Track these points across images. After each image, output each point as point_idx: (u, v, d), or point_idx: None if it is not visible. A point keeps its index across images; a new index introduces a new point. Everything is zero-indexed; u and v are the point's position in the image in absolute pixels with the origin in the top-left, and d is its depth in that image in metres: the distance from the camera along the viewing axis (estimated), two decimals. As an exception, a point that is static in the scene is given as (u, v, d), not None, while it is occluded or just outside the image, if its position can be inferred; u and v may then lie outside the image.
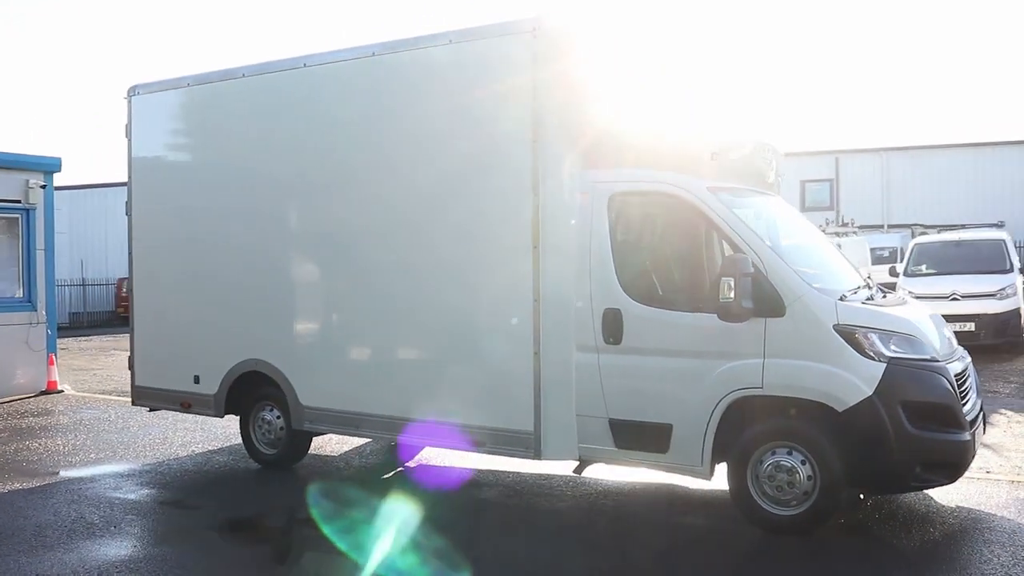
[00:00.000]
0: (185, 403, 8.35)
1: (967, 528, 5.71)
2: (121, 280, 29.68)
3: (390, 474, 7.74)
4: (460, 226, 6.65)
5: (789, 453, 5.59)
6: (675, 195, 6.01)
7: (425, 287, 6.82)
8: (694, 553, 5.55)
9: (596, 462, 6.42)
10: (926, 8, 70.94)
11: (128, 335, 8.73)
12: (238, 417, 8.13)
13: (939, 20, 70.67)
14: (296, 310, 7.62)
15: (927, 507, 6.11)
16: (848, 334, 5.47)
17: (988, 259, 15.16)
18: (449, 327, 6.73)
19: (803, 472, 5.53)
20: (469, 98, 6.58)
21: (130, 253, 8.70)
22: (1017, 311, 14.37)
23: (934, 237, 17.44)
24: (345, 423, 7.33)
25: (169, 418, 10.07)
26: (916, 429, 5.32)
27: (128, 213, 8.70)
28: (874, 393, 5.34)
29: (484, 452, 6.72)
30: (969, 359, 6.26)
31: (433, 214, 6.78)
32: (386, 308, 7.02)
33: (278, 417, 7.83)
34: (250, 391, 7.97)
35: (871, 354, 5.44)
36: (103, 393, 13.09)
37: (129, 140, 8.67)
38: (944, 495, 6.24)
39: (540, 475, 7.35)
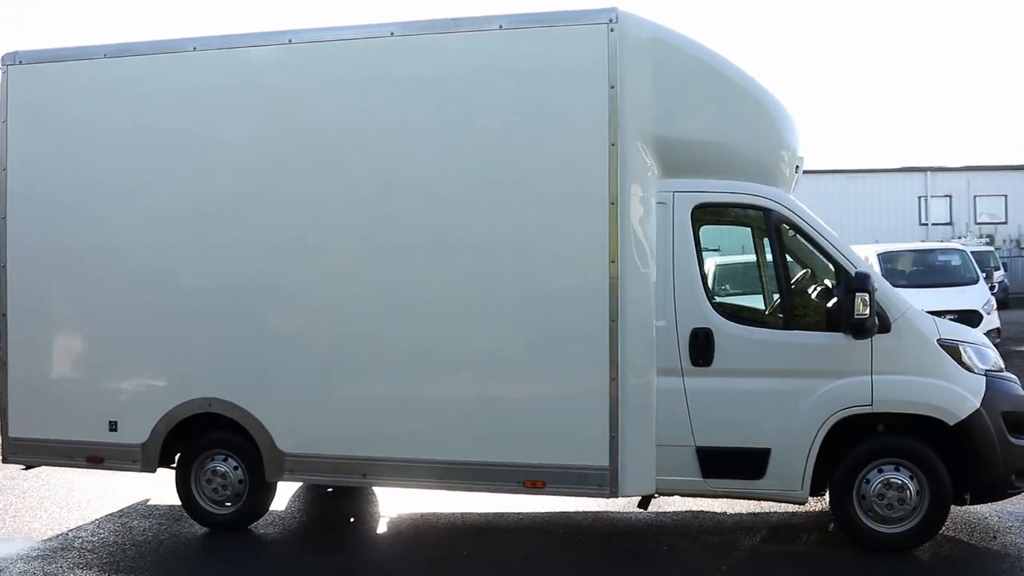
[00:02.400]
0: (94, 457, 6.50)
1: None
2: None
3: (386, 529, 6.62)
4: (517, 237, 5.82)
5: (896, 470, 5.55)
6: (767, 207, 5.76)
7: (474, 308, 5.88)
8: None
9: (676, 494, 5.95)
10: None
11: (-9, 373, 6.64)
12: (170, 469, 6.51)
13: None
14: (271, 335, 6.17)
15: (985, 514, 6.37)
16: (952, 348, 5.57)
17: (954, 271, 15.13)
18: (505, 352, 5.85)
19: (912, 488, 5.52)
20: (530, 94, 5.80)
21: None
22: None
23: (898, 246, 16.81)
24: (345, 471, 6.10)
25: (48, 477, 7.86)
26: (1014, 438, 5.54)
27: (-7, 214, 6.66)
28: (981, 405, 5.47)
29: (545, 495, 5.92)
30: None
31: (480, 222, 5.86)
32: (418, 332, 5.93)
33: (236, 468, 6.36)
34: (193, 438, 6.42)
35: (972, 368, 5.58)
36: None
37: (4, 124, 6.63)
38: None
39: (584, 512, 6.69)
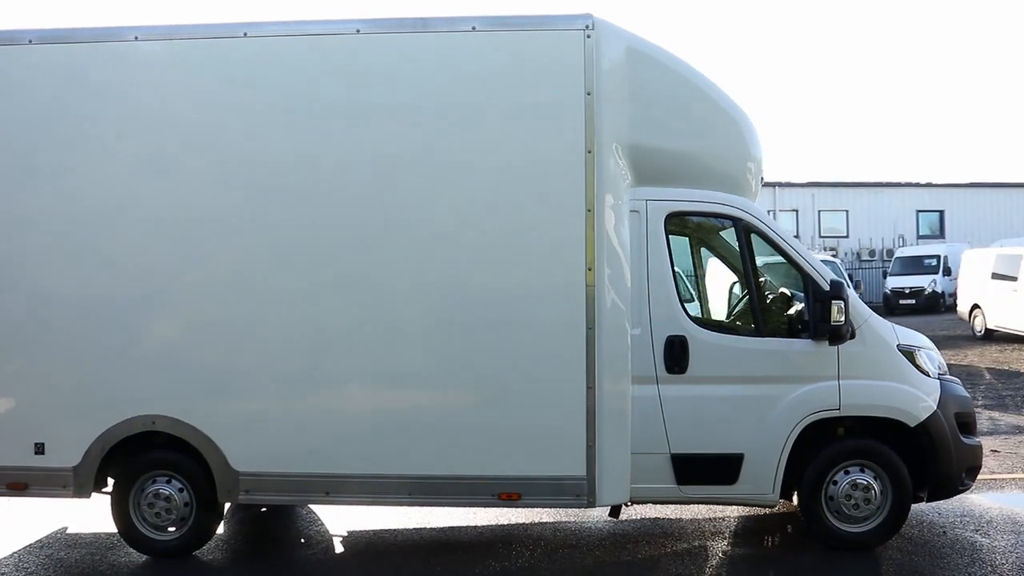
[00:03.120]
0: (15, 483, 5.89)
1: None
2: None
3: (344, 548, 6.29)
4: (491, 244, 5.68)
5: (861, 471, 5.74)
6: (735, 216, 5.85)
7: (447, 315, 5.68)
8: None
9: (650, 502, 5.94)
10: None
11: None
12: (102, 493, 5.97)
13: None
14: (222, 345, 5.79)
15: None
16: (909, 354, 5.82)
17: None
18: (479, 362, 5.67)
19: (876, 488, 5.72)
20: (505, 99, 5.67)
21: None
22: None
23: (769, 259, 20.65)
24: (306, 489, 5.76)
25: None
26: (964, 438, 5.83)
27: None
28: (937, 407, 5.74)
29: (520, 507, 5.80)
30: None
31: (452, 227, 5.69)
32: (386, 341, 5.69)
33: (181, 490, 5.91)
34: (130, 458, 5.92)
35: (927, 372, 5.85)
36: None
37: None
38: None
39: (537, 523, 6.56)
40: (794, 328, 5.75)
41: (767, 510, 6.45)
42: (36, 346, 5.88)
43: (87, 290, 5.84)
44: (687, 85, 5.95)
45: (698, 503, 6.07)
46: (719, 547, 6.02)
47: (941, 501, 6.18)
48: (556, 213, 5.65)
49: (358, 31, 5.75)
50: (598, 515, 6.59)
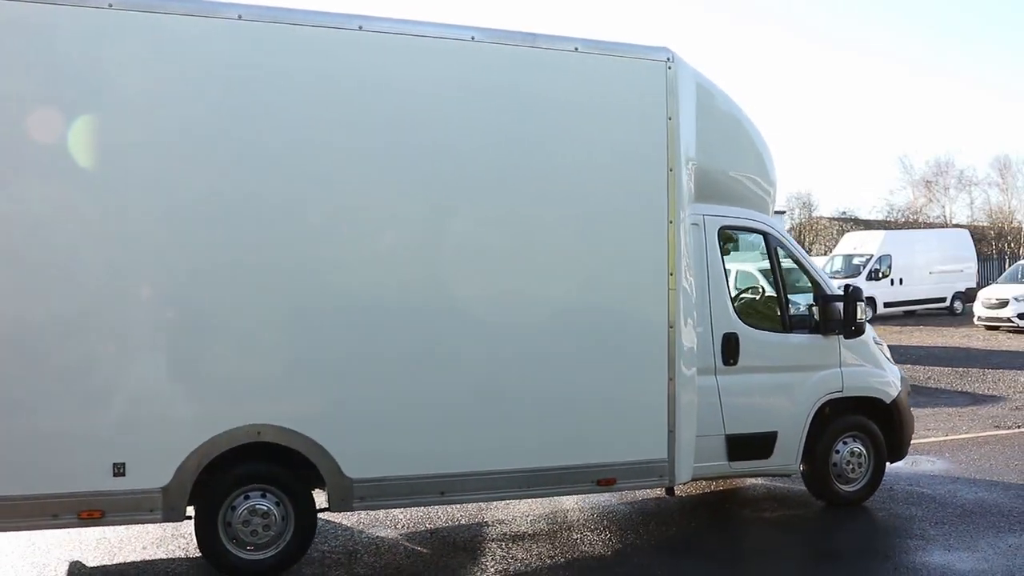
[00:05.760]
0: (91, 511, 5.11)
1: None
2: None
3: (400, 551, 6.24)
4: (590, 251, 6.13)
5: (855, 441, 7.09)
6: (766, 232, 6.93)
7: (550, 317, 6.02)
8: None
9: (705, 479, 6.75)
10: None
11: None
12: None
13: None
14: (334, 351, 5.54)
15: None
16: (879, 345, 7.30)
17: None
18: (579, 359, 6.06)
19: (866, 454, 7.10)
20: (598, 116, 6.16)
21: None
22: None
23: None
24: (422, 491, 5.73)
25: None
26: (910, 412, 7.46)
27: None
28: (901, 386, 7.29)
29: (615, 490, 6.28)
30: None
31: (553, 234, 6.05)
32: (495, 342, 5.87)
33: (277, 504, 5.54)
34: (217, 475, 5.42)
35: (890, 358, 7.38)
36: None
37: None
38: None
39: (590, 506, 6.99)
40: (810, 325, 6.96)
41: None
42: (121, 355, 5.19)
43: (186, 294, 5.29)
44: (733, 118, 6.94)
45: (741, 476, 7.02)
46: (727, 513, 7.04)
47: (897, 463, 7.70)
48: (646, 224, 6.28)
49: (472, 38, 5.91)
50: (597, 500, 7.24)
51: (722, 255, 6.73)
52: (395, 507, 6.13)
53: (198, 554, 5.53)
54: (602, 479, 6.15)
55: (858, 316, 6.80)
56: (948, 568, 5.57)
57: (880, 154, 72.66)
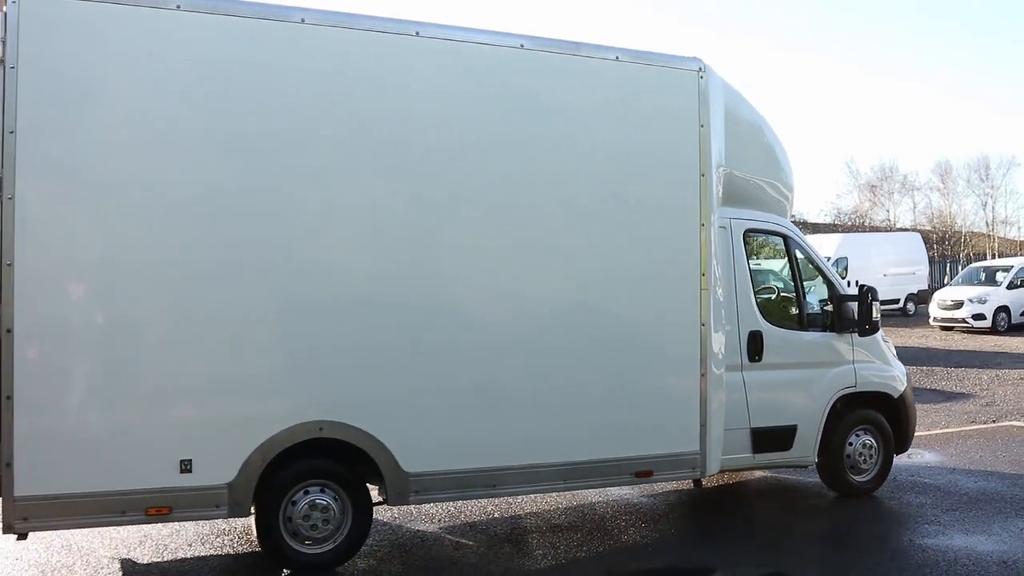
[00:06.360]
0: (159, 508, 5.17)
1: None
2: None
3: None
4: (629, 251, 6.37)
5: (866, 434, 7.45)
6: (786, 235, 7.26)
7: (590, 316, 6.25)
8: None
9: (730, 470, 7.04)
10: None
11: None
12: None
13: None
14: (390, 347, 5.68)
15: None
16: (886, 342, 7.69)
17: None
18: (619, 356, 6.31)
19: (877, 446, 7.47)
20: (635, 121, 6.41)
21: (0, 266, 4.88)
22: None
23: None
24: (472, 484, 5.91)
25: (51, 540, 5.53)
26: (914, 406, 7.86)
27: (-1, 194, 4.89)
28: (906, 382, 7.68)
29: (651, 482, 6.53)
30: None
31: (596, 235, 6.27)
32: (544, 339, 6.08)
33: (335, 498, 5.66)
34: (277, 471, 5.52)
35: (895, 355, 7.77)
36: None
37: (3, 70, 4.91)
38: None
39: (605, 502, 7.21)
40: (823, 323, 7.30)
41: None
42: (183, 350, 5.26)
43: (253, 293, 5.39)
44: (757, 126, 7.25)
45: (763, 467, 7.33)
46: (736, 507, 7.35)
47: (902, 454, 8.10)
48: (681, 226, 6.54)
49: (522, 46, 6.10)
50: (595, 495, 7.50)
51: (746, 256, 7.04)
52: (447, 500, 6.27)
53: (243, 550, 5.62)
54: (640, 471, 6.39)
55: (873, 315, 7.17)
56: (971, 550, 5.94)
57: (827, 158, 74.67)
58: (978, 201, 57.73)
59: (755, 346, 6.93)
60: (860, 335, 7.26)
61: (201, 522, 6.33)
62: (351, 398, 5.61)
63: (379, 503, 5.85)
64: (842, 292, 7.36)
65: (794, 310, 7.34)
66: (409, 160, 5.77)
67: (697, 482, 7.02)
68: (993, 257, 45.60)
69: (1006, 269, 24.16)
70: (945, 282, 32.74)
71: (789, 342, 7.14)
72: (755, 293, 7.10)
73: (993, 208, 57.42)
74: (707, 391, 6.57)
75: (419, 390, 5.77)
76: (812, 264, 7.41)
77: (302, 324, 5.50)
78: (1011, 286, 23.20)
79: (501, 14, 68.56)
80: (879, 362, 7.53)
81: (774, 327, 7.08)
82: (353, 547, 5.76)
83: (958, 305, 22.89)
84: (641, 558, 6.04)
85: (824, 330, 7.31)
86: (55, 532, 5.95)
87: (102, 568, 5.75)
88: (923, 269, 28.72)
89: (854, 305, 7.22)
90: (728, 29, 78.68)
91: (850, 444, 7.40)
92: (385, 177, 5.73)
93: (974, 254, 50.63)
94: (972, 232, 56.52)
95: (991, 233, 56.70)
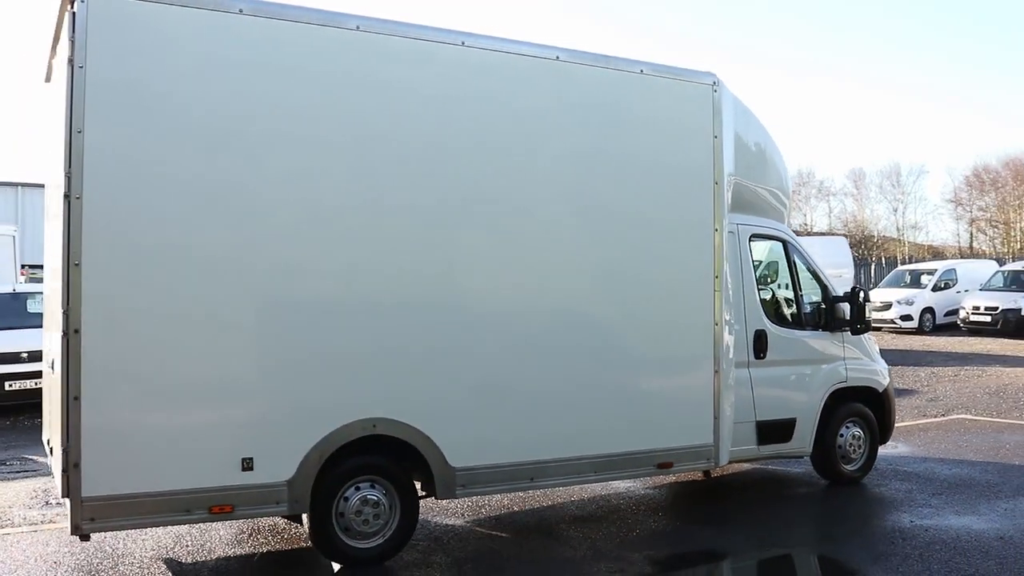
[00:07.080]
0: (220, 506, 5.26)
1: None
2: None
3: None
4: (655, 252, 6.72)
5: (855, 425, 7.97)
6: (785, 240, 7.72)
7: (617, 314, 6.58)
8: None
9: (737, 461, 7.44)
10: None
11: (47, 413, 4.80)
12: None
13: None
14: (436, 345, 5.87)
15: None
16: (869, 340, 8.24)
17: None
18: (646, 354, 6.67)
19: (864, 437, 8.01)
20: (657, 131, 6.77)
21: (68, 265, 4.90)
22: None
23: None
24: (515, 478, 6.17)
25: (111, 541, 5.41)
26: (894, 400, 8.44)
27: (67, 194, 4.90)
28: (888, 377, 8.25)
29: (672, 473, 6.87)
30: None
31: (623, 241, 6.60)
32: (580, 338, 6.39)
33: (385, 493, 5.83)
34: (334, 467, 5.66)
35: (878, 352, 8.33)
36: None
37: (72, 69, 4.93)
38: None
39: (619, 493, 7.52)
40: (816, 322, 7.80)
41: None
42: (246, 350, 5.37)
43: (313, 294, 5.53)
44: (762, 137, 7.70)
45: (766, 458, 7.76)
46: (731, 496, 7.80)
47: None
48: (697, 231, 6.93)
49: (557, 58, 6.38)
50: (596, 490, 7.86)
51: (752, 259, 7.48)
52: (491, 493, 6.50)
53: (289, 547, 5.74)
54: (662, 462, 6.75)
55: (865, 315, 7.69)
56: (968, 528, 6.48)
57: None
58: (889, 207, 60.67)
59: (760, 344, 7.37)
60: (853, 333, 7.79)
61: (232, 522, 6.41)
62: (403, 396, 5.79)
63: (421, 497, 6.04)
64: (834, 294, 7.87)
65: (792, 310, 7.82)
66: (472, 167, 6.03)
67: (707, 472, 7.40)
68: (905, 261, 47.93)
69: (931, 272, 25.57)
70: (866, 285, 34.24)
71: (789, 340, 7.61)
72: (759, 294, 7.55)
73: (904, 213, 60.43)
74: (720, 387, 6.97)
75: (465, 388, 5.99)
76: (807, 268, 7.90)
77: (360, 325, 5.66)
78: (936, 288, 24.58)
79: (500, 14, 68.34)
80: (866, 359, 8.07)
81: (776, 326, 7.54)
82: (402, 540, 5.93)
83: (887, 307, 24.13)
84: (667, 545, 6.37)
85: (818, 329, 7.81)
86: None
87: (145, 568, 5.78)
88: (849, 272, 29.91)
89: (847, 306, 7.74)
90: (639, 27, 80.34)
91: (841, 436, 7.91)
92: (456, 184, 5.98)
93: (886, 258, 53.09)
94: (884, 236, 59.31)
95: (901, 237, 59.61)
